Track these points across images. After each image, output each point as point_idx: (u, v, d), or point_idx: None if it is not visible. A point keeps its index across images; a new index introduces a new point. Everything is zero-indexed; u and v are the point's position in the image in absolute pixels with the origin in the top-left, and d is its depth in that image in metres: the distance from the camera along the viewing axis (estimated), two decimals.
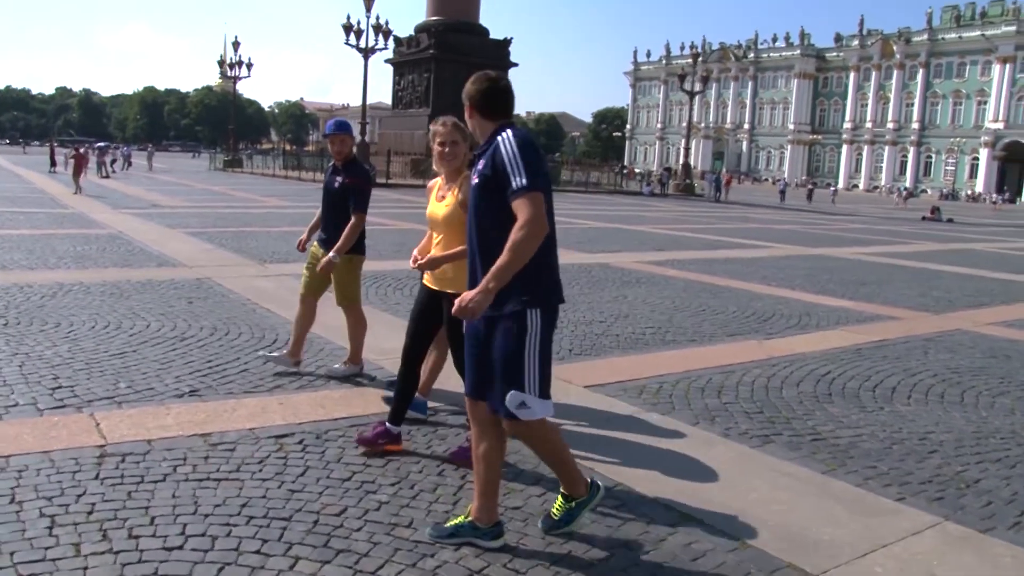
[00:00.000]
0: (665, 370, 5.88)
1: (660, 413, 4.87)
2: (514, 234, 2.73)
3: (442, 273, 3.83)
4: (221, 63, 46.29)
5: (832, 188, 55.79)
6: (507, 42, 41.59)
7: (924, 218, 34.66)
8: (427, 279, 3.96)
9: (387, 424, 3.97)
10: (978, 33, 77.41)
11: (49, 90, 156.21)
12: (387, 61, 42.17)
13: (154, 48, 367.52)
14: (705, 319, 7.98)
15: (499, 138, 2.87)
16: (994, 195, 67.97)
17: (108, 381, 4.88)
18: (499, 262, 2.74)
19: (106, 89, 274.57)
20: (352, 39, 34.39)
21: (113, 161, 36.22)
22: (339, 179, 5.13)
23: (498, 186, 2.81)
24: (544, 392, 2.93)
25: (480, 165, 2.93)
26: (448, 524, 3.12)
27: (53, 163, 37.39)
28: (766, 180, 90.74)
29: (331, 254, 5.03)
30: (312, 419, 4.39)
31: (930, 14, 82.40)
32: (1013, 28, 74.27)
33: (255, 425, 4.22)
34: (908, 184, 77.16)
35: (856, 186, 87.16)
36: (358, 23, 34.29)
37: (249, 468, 3.65)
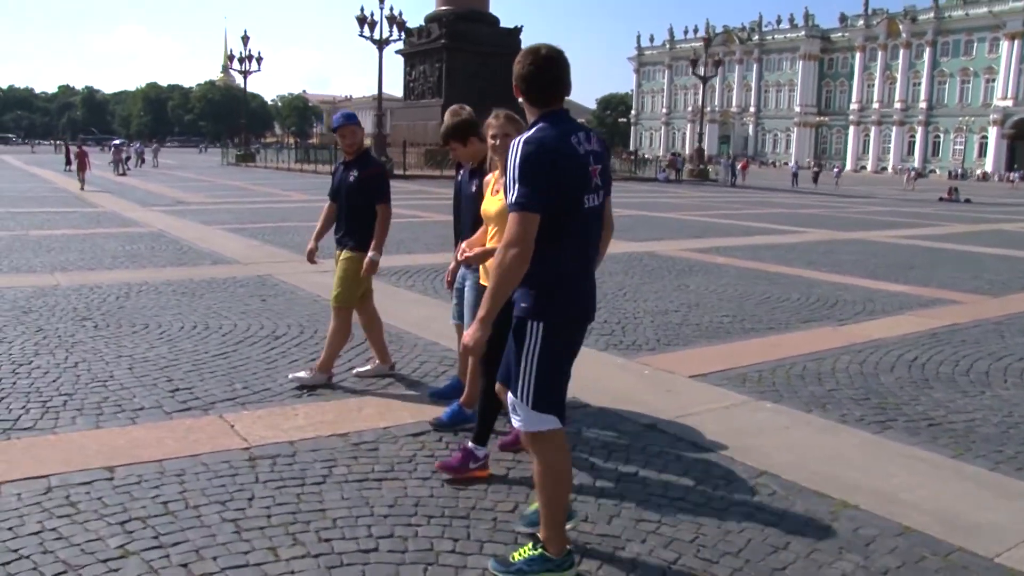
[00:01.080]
0: (758, 358, 5.91)
1: (772, 401, 4.91)
2: (495, 255, 2.56)
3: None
4: (230, 57, 46.03)
5: (835, 170, 55.47)
6: (518, 30, 41.44)
7: (941, 199, 34.54)
8: (483, 277, 3.74)
9: (471, 445, 3.62)
10: (985, 10, 76.99)
11: (52, 89, 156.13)
12: (398, 52, 42.08)
13: (150, 48, 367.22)
14: (774, 307, 8.00)
15: (512, 142, 2.61)
16: (1011, 174, 67.57)
17: (222, 382, 4.92)
18: (488, 286, 2.60)
19: (108, 87, 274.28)
20: (366, 31, 34.15)
21: (127, 158, 36.16)
22: (354, 173, 4.88)
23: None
24: (538, 405, 2.68)
25: None
26: (514, 558, 2.79)
27: (68, 161, 37.38)
28: (773, 163, 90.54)
29: (371, 253, 4.82)
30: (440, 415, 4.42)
31: None
32: (1021, 3, 73.80)
33: (388, 424, 4.25)
34: (916, 164, 76.87)
35: (864, 167, 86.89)
36: (371, 14, 34.07)
37: (403, 468, 3.68)
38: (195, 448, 3.86)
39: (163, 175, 35.29)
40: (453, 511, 3.25)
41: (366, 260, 4.82)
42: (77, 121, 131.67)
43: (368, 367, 5.18)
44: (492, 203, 3.62)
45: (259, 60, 45.91)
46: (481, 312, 2.58)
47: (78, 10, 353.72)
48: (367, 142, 5.15)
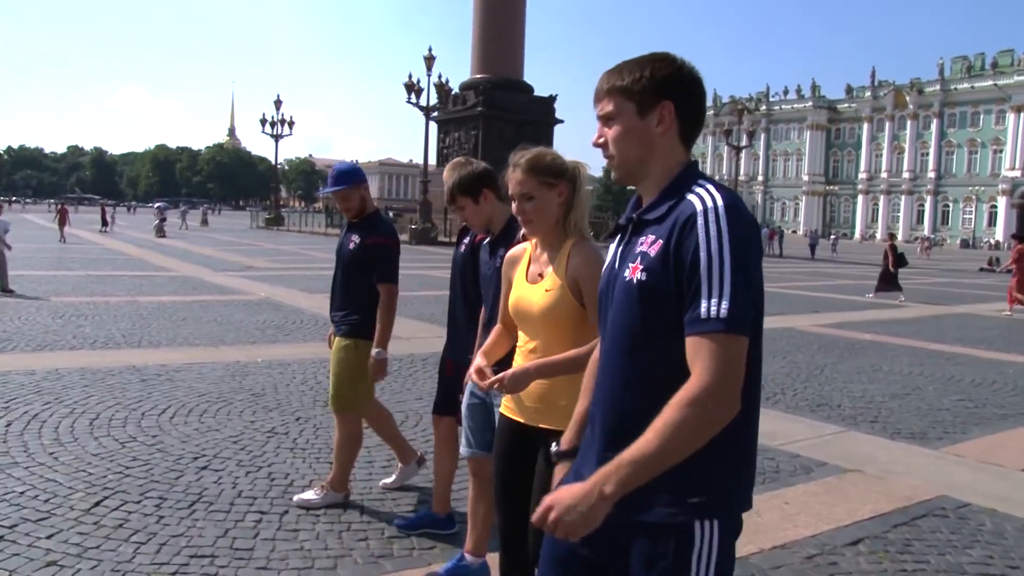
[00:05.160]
0: None
1: None
2: (675, 409, 1.46)
3: (538, 396, 2.38)
4: (263, 122, 46.34)
5: (832, 238, 54.68)
6: (552, 99, 42.03)
7: (982, 269, 34.55)
8: (508, 406, 2.51)
9: None
10: (990, 83, 78.63)
11: (61, 148, 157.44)
12: (433, 119, 42.45)
13: (152, 109, 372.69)
14: (997, 390, 7.68)
15: (699, 202, 1.55)
16: None
17: None
18: (638, 449, 1.47)
19: (114, 147, 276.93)
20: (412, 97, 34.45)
21: (164, 221, 35.98)
22: (355, 239, 3.96)
23: (677, 291, 1.53)
24: None
25: (647, 242, 1.60)
26: None
27: (104, 223, 37.32)
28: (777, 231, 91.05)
29: (375, 349, 3.85)
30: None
31: (941, 64, 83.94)
32: None
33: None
34: (926, 232, 77.44)
35: (874, 235, 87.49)
36: (418, 81, 34.47)
37: None
38: None
39: (202, 237, 35.10)
40: None
41: (370, 360, 3.86)
42: (86, 181, 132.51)
43: (312, 493, 4.02)
44: (531, 293, 2.42)
45: (291, 124, 46.28)
46: (608, 485, 1.48)
47: (84, 69, 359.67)
48: (375, 204, 4.20)
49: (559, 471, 1.88)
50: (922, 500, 4.41)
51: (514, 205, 2.44)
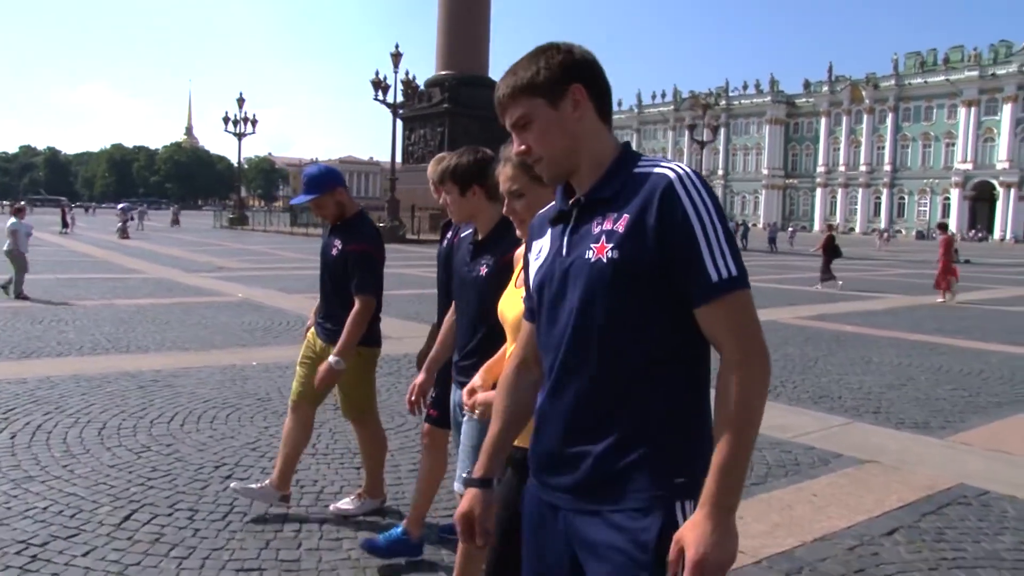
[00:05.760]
0: None
1: None
2: (735, 386, 1.41)
3: None
4: (225, 120, 45.56)
5: (790, 230, 55.46)
6: None
7: None
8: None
9: None
10: (943, 78, 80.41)
11: (12, 148, 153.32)
12: (398, 116, 42.17)
13: (111, 107, 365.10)
14: (987, 379, 7.84)
15: (670, 172, 1.48)
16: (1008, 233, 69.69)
17: None
18: (727, 446, 1.40)
19: (70, 146, 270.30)
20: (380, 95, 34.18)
21: (128, 222, 35.22)
22: (337, 244, 3.70)
23: (660, 264, 1.45)
24: None
25: (608, 221, 1.50)
26: None
27: (65, 224, 36.48)
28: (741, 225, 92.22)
29: (332, 358, 3.57)
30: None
31: (896, 60, 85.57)
32: (976, 73, 77.34)
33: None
34: (883, 225, 78.99)
35: (832, 227, 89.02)
36: (385, 78, 34.16)
37: None
38: None
39: (166, 238, 34.47)
40: None
41: (322, 366, 3.60)
42: (39, 182, 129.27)
43: (348, 502, 3.88)
44: (515, 299, 2.10)
45: (254, 123, 45.63)
46: (727, 497, 1.40)
47: (40, 66, 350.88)
48: (358, 204, 3.88)
49: (467, 498, 1.70)
50: (943, 489, 4.49)
51: (507, 204, 2.17)
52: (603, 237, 1.48)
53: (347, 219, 3.75)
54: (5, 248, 12.83)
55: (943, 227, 19.74)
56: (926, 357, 9.04)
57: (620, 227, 1.47)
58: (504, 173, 2.12)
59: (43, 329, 9.34)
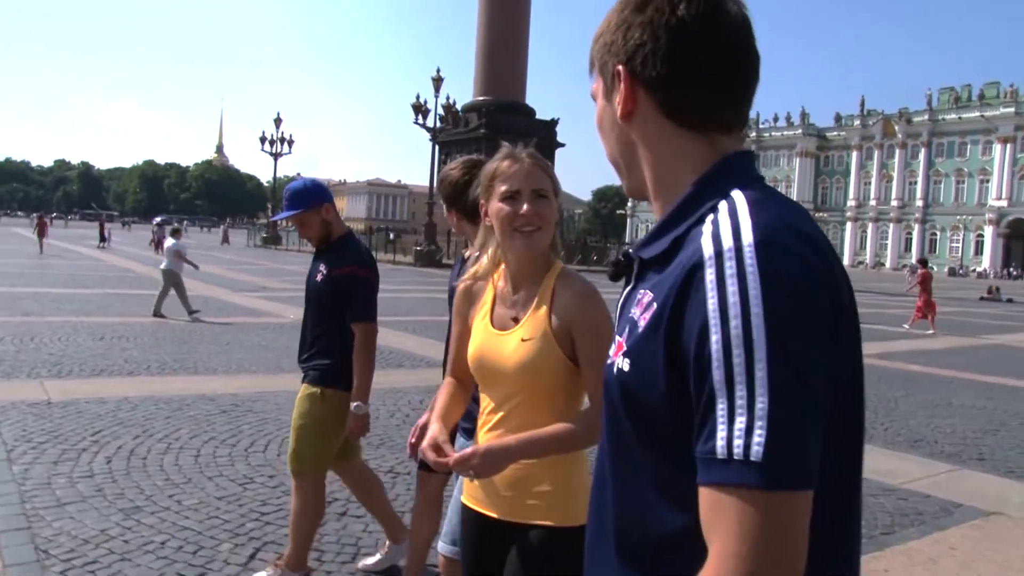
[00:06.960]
0: None
1: None
2: None
3: (516, 482, 1.79)
4: (263, 139, 46.12)
5: None
6: (554, 122, 42.02)
7: (982, 298, 34.76)
8: (474, 495, 1.90)
9: None
10: (977, 114, 79.83)
11: (47, 162, 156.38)
12: (434, 140, 42.46)
13: (143, 123, 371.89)
14: None
15: (709, 241, 0.86)
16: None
17: None
18: None
19: (102, 162, 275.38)
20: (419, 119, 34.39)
21: (162, 238, 35.57)
22: (322, 269, 3.28)
23: (676, 394, 0.87)
24: None
25: (642, 302, 0.94)
26: None
27: (103, 238, 36.84)
28: None
29: (355, 404, 3.20)
30: None
31: (929, 95, 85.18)
32: (1012, 110, 76.75)
33: None
34: (914, 261, 78.18)
35: (862, 263, 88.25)
36: (425, 102, 34.39)
37: None
38: None
39: (203, 256, 34.67)
40: None
41: (349, 416, 3.21)
42: (72, 195, 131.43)
43: (377, 557, 3.56)
44: (501, 345, 1.81)
45: (291, 143, 46.07)
46: None
47: (73, 82, 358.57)
48: (346, 226, 3.50)
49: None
50: None
51: (504, 207, 1.76)
52: (627, 330, 0.95)
53: (332, 241, 3.31)
54: (163, 266, 13.61)
55: (923, 263, 20.46)
56: (1007, 401, 8.77)
57: (643, 320, 0.92)
58: (520, 171, 1.78)
59: (106, 346, 9.30)
